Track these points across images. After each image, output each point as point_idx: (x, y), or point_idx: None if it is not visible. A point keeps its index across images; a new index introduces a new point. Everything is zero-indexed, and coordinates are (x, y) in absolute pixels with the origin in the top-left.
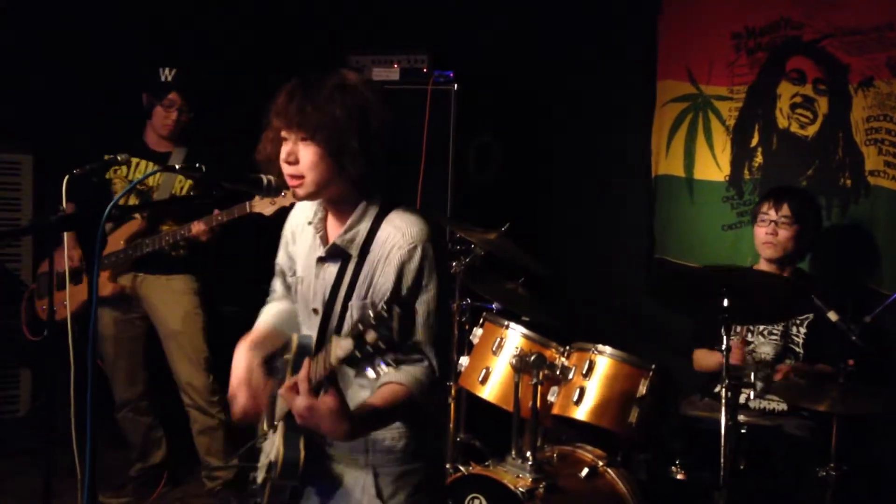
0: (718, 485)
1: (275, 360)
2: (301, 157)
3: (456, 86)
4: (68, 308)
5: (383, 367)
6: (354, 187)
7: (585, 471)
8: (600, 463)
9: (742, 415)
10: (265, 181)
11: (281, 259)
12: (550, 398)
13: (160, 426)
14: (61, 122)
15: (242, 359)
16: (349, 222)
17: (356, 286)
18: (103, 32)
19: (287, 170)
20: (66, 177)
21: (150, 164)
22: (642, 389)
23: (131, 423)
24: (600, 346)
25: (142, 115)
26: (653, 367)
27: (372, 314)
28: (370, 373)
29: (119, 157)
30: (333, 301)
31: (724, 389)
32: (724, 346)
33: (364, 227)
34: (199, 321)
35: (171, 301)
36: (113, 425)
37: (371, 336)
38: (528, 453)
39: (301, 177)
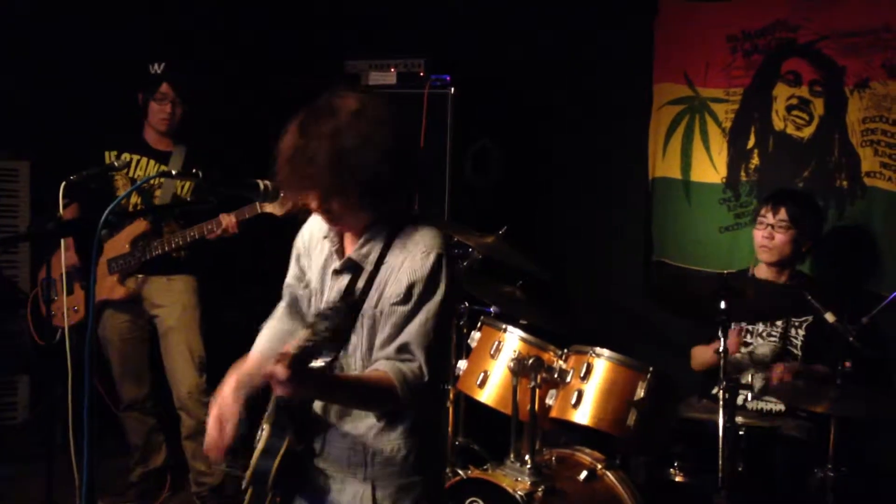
0: (717, 487)
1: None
2: (332, 207)
3: (453, 90)
4: (80, 312)
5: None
6: (370, 209)
7: (584, 474)
8: (599, 466)
9: (740, 416)
10: (262, 186)
11: (290, 279)
12: (548, 401)
13: (161, 430)
14: (58, 126)
15: (227, 403)
16: (365, 237)
17: (368, 297)
18: (96, 35)
19: (325, 217)
20: (63, 183)
21: (152, 161)
22: (640, 392)
23: (136, 422)
24: (598, 349)
25: (139, 114)
26: (651, 369)
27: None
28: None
29: (116, 163)
30: None
31: (721, 391)
32: (720, 349)
33: (379, 242)
34: (195, 317)
35: (171, 299)
36: (112, 432)
37: (377, 339)
38: (527, 456)
39: (338, 219)
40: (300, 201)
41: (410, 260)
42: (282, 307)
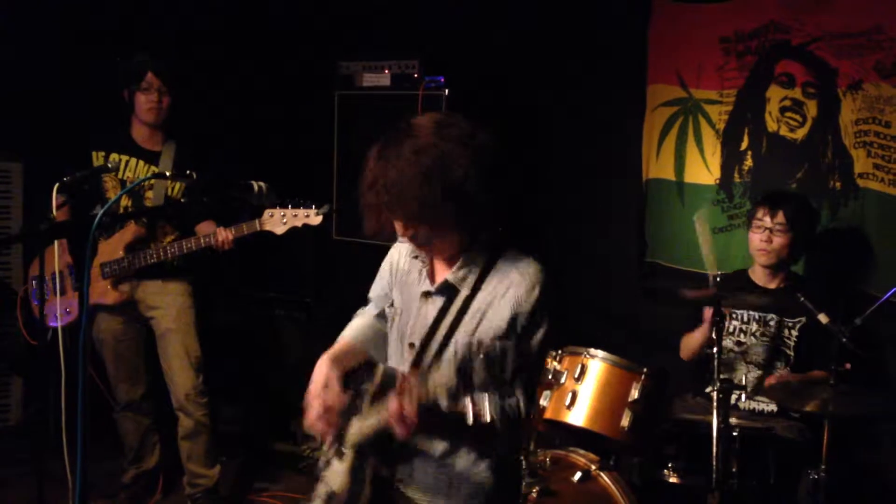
0: (711, 487)
1: (352, 379)
2: (419, 232)
3: (447, 91)
4: (73, 313)
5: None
6: (458, 232)
7: (578, 475)
8: (593, 467)
9: (733, 416)
10: (256, 187)
11: (378, 291)
12: (543, 402)
13: (156, 432)
14: (50, 128)
15: (322, 371)
16: (462, 260)
17: (463, 321)
18: (89, 34)
19: (413, 242)
20: (56, 185)
21: (142, 162)
22: (634, 393)
23: (131, 423)
24: (592, 350)
25: (128, 112)
26: (645, 370)
27: (482, 354)
28: (464, 406)
29: (109, 164)
30: (433, 334)
31: (715, 392)
32: (715, 350)
33: (477, 266)
34: (191, 318)
35: (166, 301)
36: (106, 434)
37: (479, 376)
38: (521, 458)
39: (426, 244)
40: (386, 229)
41: (515, 290)
42: (372, 312)
